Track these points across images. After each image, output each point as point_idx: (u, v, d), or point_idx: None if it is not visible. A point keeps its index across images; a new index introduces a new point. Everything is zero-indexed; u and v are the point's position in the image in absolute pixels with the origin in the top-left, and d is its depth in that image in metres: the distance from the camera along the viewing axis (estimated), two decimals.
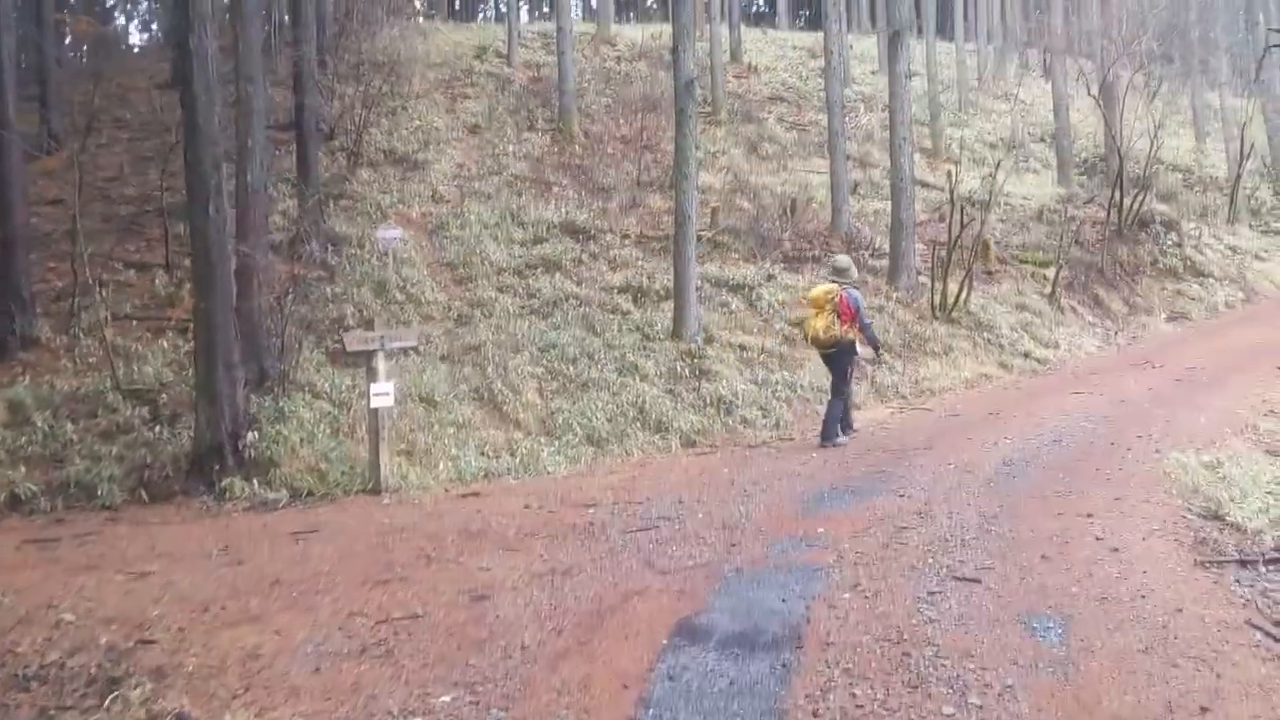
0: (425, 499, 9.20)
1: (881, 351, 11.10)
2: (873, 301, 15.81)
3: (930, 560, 6.30)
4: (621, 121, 23.02)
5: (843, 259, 11.28)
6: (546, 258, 15.94)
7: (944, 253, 17.18)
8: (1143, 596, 5.54)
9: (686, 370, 12.99)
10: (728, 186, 20.84)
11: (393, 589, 6.23)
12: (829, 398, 11.05)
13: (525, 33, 30.81)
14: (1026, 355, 16.07)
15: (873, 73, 32.73)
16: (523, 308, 14.34)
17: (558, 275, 15.45)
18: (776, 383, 13.11)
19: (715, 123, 24.42)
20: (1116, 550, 6.38)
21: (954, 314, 16.47)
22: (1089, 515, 7.26)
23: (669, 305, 14.30)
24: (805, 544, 6.79)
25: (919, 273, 17.54)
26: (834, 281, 10.75)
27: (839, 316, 10.42)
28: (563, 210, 17.85)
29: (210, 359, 9.84)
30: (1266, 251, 23.57)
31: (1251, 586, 5.87)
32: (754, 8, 59.32)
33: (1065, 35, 24.91)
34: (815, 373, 13.59)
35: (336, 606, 5.92)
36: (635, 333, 13.86)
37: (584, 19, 39.23)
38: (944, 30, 38.61)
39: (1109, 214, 21.14)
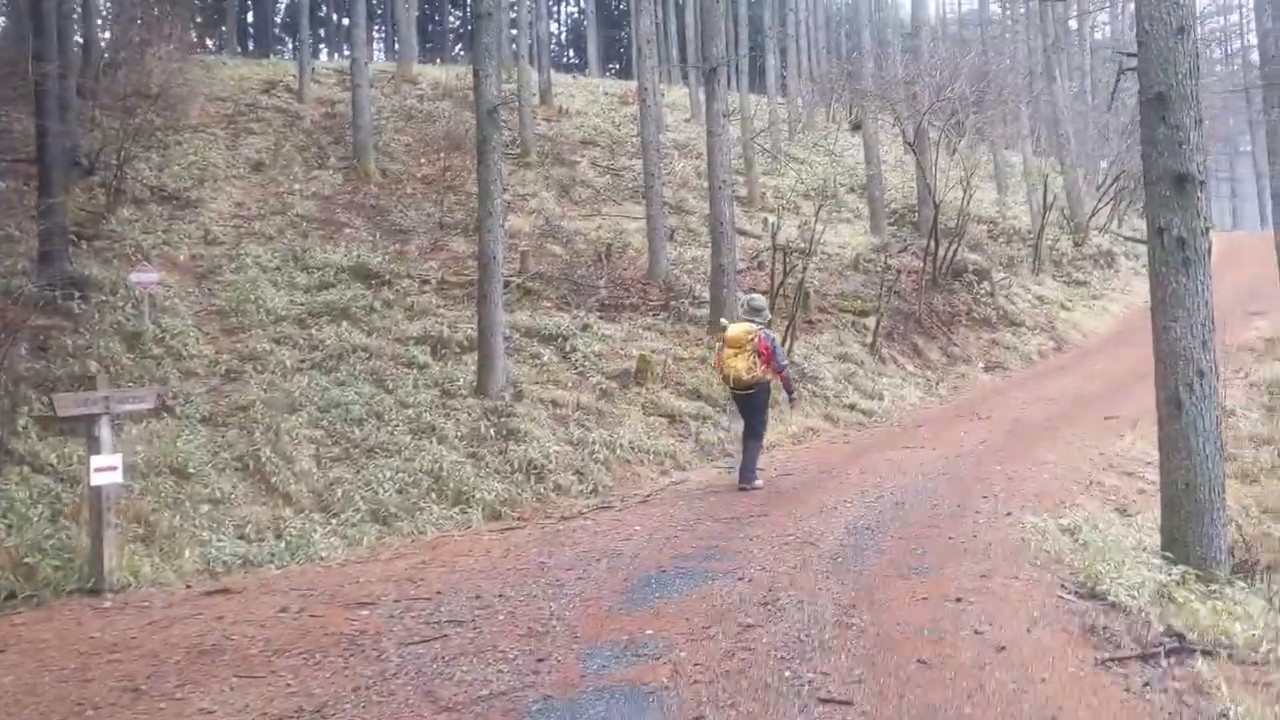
0: (158, 600, 7.36)
1: (795, 395, 11.04)
2: (695, 353, 14.79)
3: (787, 673, 5.03)
4: (423, 161, 21.54)
5: (759, 298, 10.93)
6: (332, 305, 14.19)
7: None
8: (1053, 719, 4.42)
9: (492, 431, 11.54)
10: (539, 230, 19.59)
11: None
12: (748, 439, 10.34)
13: (322, 69, 29.04)
14: (852, 407, 15.30)
15: (685, 121, 32.30)
16: (302, 361, 12.59)
17: (345, 324, 13.73)
18: (594, 442, 11.78)
19: (525, 165, 23.19)
20: (1003, 649, 5.28)
21: None
22: (958, 599, 6.17)
23: (473, 357, 12.83)
24: (631, 653, 5.43)
25: None
26: (750, 321, 10.25)
27: (758, 356, 10.06)
28: (354, 253, 16.14)
29: None
30: (1071, 301, 23.99)
31: (1165, 692, 4.90)
32: (564, 59, 58.89)
33: (877, 84, 24.86)
34: (636, 430, 12.38)
35: None
36: (433, 389, 12.33)
37: (387, 59, 37.59)
38: (755, 85, 38.75)
39: (924, 263, 20.92)
